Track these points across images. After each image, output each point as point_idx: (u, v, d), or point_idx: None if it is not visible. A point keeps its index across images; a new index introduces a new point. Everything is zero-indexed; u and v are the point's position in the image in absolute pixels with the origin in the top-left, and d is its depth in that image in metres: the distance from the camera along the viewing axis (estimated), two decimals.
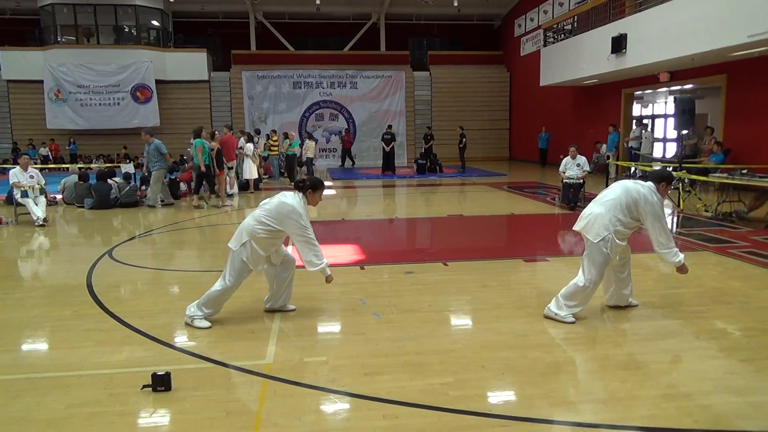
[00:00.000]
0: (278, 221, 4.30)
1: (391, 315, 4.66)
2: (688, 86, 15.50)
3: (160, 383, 3.29)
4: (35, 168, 10.80)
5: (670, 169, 11.79)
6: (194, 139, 11.37)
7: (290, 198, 4.37)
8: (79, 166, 17.97)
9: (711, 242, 7.30)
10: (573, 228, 4.63)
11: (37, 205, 9.62)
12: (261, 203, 4.52)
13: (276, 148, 17.76)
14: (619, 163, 15.16)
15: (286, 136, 17.32)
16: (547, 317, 4.48)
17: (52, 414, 3.09)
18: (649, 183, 4.45)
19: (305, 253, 4.35)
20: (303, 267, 4.46)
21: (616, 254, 4.40)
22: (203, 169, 11.16)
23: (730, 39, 10.79)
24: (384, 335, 4.20)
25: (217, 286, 4.39)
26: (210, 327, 4.37)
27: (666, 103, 17.94)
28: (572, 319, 4.39)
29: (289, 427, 2.93)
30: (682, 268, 4.42)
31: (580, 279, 4.39)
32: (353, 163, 23.19)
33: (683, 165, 10.57)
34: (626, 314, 4.61)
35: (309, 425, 2.95)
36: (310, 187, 4.45)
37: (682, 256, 4.35)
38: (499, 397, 3.30)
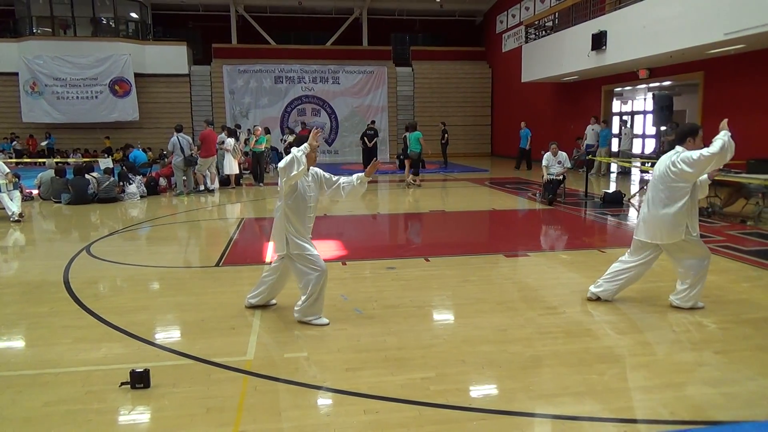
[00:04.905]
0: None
1: (372, 310, 4.67)
2: (667, 83, 15.71)
3: (139, 380, 3.25)
4: (4, 162, 10.56)
5: (649, 164, 11.96)
6: (408, 132, 14.27)
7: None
8: (56, 160, 17.65)
9: None
10: (646, 240, 4.51)
11: (11, 200, 9.43)
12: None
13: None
14: (602, 159, 15.24)
15: (267, 131, 16.85)
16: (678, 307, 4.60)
17: (29, 412, 3.05)
18: (676, 148, 4.42)
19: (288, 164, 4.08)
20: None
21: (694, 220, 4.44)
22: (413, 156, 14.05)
23: (708, 36, 10.96)
24: (365, 331, 4.21)
25: (310, 275, 4.25)
26: (328, 323, 4.32)
27: (645, 99, 18.19)
28: (701, 304, 4.60)
29: (269, 423, 2.93)
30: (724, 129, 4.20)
31: (701, 259, 4.49)
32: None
33: None
34: (604, 308, 4.67)
35: (290, 421, 2.94)
36: (296, 145, 4.24)
37: (724, 138, 4.09)
38: (480, 391, 3.33)
